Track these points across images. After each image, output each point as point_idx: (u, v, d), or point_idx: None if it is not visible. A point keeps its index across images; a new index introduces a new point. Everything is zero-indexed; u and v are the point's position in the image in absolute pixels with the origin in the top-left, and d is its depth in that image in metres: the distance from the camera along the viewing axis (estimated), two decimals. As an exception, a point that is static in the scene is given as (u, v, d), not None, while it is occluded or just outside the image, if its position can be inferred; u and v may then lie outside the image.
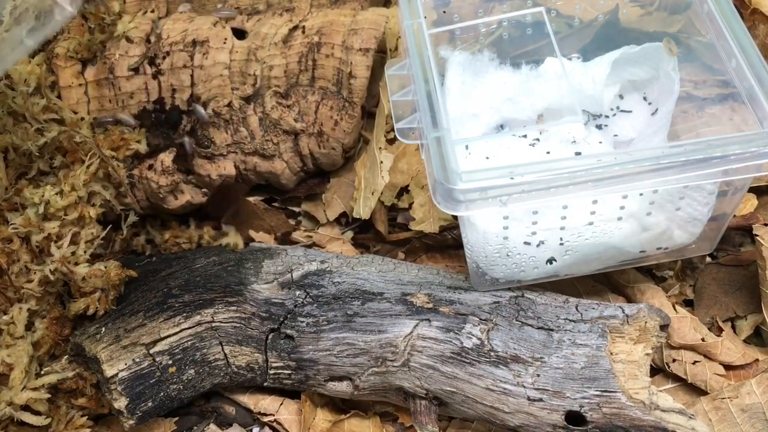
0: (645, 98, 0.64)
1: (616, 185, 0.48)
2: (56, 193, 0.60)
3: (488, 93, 0.63)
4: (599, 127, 0.63)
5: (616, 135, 0.62)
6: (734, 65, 0.52)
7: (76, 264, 0.59)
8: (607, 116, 0.63)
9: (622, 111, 0.64)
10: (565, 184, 0.47)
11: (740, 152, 0.47)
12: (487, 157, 0.59)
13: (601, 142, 0.60)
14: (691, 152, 0.47)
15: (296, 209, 0.73)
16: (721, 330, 0.63)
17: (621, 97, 0.64)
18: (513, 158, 0.58)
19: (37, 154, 0.60)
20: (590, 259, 0.57)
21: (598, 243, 0.55)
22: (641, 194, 0.52)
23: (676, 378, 0.62)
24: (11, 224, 0.58)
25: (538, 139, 0.60)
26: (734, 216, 0.64)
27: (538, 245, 0.55)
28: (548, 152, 0.59)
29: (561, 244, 0.55)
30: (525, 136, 0.60)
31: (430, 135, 0.49)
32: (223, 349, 0.60)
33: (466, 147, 0.59)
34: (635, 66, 0.63)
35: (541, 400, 0.53)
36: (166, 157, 0.65)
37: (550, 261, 0.56)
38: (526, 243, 0.55)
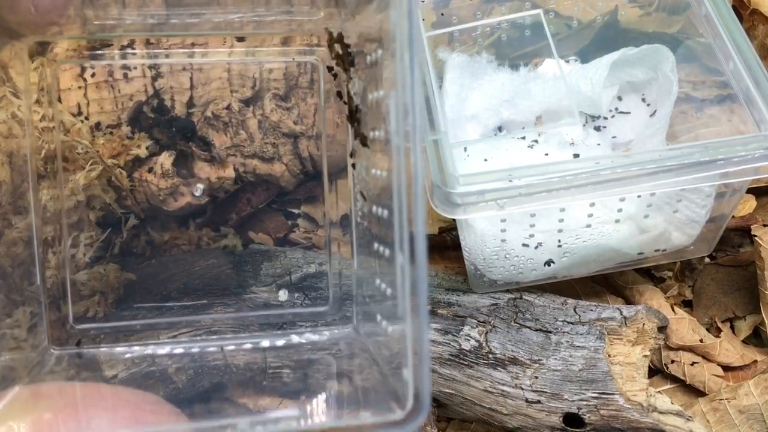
0: (644, 100, 0.64)
1: (614, 188, 0.48)
2: (50, 198, 0.60)
3: (487, 95, 0.63)
4: (597, 128, 0.63)
5: (614, 137, 0.63)
6: (731, 68, 0.52)
7: (76, 267, 0.60)
8: (605, 118, 0.63)
9: (620, 112, 0.64)
10: (564, 187, 0.47)
11: (737, 155, 0.47)
12: (486, 159, 0.59)
13: (599, 144, 0.60)
14: (689, 155, 0.47)
15: (295, 211, 0.73)
16: (719, 331, 0.63)
17: (620, 98, 0.64)
18: (511, 160, 0.58)
19: (39, 164, 0.61)
20: (588, 261, 0.57)
21: (596, 245, 0.55)
22: (639, 197, 0.52)
23: (674, 379, 0.62)
24: (15, 227, 0.58)
25: (536, 141, 0.60)
26: (733, 217, 0.64)
27: (536, 247, 0.55)
28: (546, 154, 0.59)
29: (559, 246, 0.55)
30: (523, 138, 0.60)
31: (427, 138, 0.50)
32: (222, 350, 0.60)
33: (465, 149, 0.59)
34: (634, 67, 0.63)
35: (539, 402, 0.53)
36: (166, 160, 0.65)
37: (548, 263, 0.56)
38: (524, 245, 0.55)
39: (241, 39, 0.66)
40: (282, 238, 0.70)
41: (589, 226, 0.54)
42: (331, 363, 0.52)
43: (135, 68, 0.64)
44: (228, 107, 0.65)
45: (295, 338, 0.54)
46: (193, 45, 0.65)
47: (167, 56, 0.65)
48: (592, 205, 0.52)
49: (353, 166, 0.54)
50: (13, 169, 0.61)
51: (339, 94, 0.58)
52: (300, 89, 0.66)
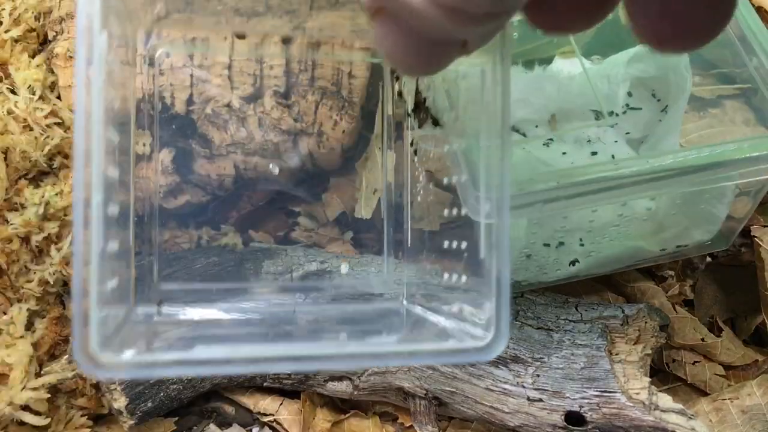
0: (654, 95, 0.64)
1: (651, 189, 0.47)
2: (56, 194, 0.60)
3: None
4: (611, 125, 0.63)
5: (627, 133, 0.62)
6: (755, 64, 0.51)
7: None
8: (617, 114, 0.63)
9: (631, 109, 0.63)
10: (603, 189, 0.46)
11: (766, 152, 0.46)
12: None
13: (616, 141, 0.60)
14: (719, 153, 0.46)
15: (296, 209, 0.72)
16: (721, 330, 0.63)
17: (630, 94, 0.64)
18: (528, 159, 0.58)
19: (42, 160, 0.61)
20: (611, 259, 0.57)
21: (621, 243, 0.55)
22: (668, 195, 0.52)
23: (676, 378, 0.62)
24: (11, 224, 0.58)
25: (552, 139, 0.60)
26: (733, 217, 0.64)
27: (557, 247, 0.55)
28: (564, 152, 0.59)
29: (582, 245, 0.55)
30: (539, 136, 0.60)
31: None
32: (222, 349, 0.60)
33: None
34: (645, 63, 0.62)
35: (540, 400, 0.53)
36: (166, 157, 0.65)
37: (573, 263, 0.56)
38: (546, 245, 0.55)
39: (241, 37, 0.66)
40: (283, 236, 0.70)
41: (617, 225, 0.54)
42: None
43: (135, 65, 0.64)
44: (228, 104, 0.64)
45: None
46: (193, 42, 0.64)
47: (168, 54, 0.64)
48: (624, 204, 0.52)
49: (415, 152, 0.58)
50: (9, 165, 0.60)
51: (400, 94, 0.60)
52: (300, 86, 0.66)
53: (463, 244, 0.42)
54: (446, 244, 0.46)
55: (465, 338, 0.35)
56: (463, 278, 0.42)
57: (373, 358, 0.34)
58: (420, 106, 0.54)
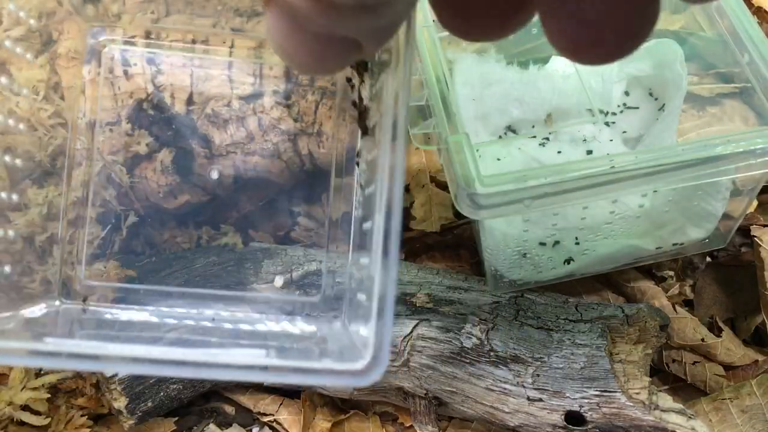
0: (651, 94, 0.64)
1: (641, 185, 0.47)
2: (58, 194, 0.60)
3: (496, 94, 0.63)
4: (607, 124, 0.63)
5: (624, 131, 0.62)
6: (747, 60, 0.51)
7: (75, 264, 0.59)
8: (614, 113, 0.63)
9: (628, 107, 0.63)
10: (591, 185, 0.46)
11: (760, 147, 0.46)
12: (499, 159, 0.59)
13: (611, 140, 0.60)
14: (710, 147, 0.46)
15: (295, 209, 0.73)
16: (720, 330, 0.63)
17: (627, 93, 0.64)
18: (524, 158, 0.58)
19: (46, 161, 0.61)
20: (607, 257, 0.57)
21: (616, 241, 0.55)
22: (660, 192, 0.52)
23: (675, 378, 0.62)
24: (14, 224, 0.58)
25: (547, 139, 0.60)
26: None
27: (554, 245, 0.55)
28: (559, 152, 0.59)
29: (578, 243, 0.55)
30: (534, 136, 0.60)
31: (449, 139, 0.49)
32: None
33: (477, 150, 0.59)
34: (641, 62, 0.63)
35: (540, 399, 0.53)
36: (166, 157, 0.65)
37: (568, 261, 0.56)
38: (542, 244, 0.55)
39: (241, 36, 0.66)
40: (283, 236, 0.70)
41: (610, 223, 0.54)
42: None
43: (135, 65, 0.64)
44: (228, 104, 0.65)
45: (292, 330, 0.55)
46: (193, 42, 0.64)
47: (168, 54, 0.64)
48: (614, 201, 0.52)
49: (357, 164, 0.56)
50: (12, 165, 0.61)
51: (354, 104, 0.58)
52: (300, 86, 0.66)
53: (367, 260, 0.40)
54: (362, 260, 0.45)
55: (344, 360, 0.33)
56: (363, 297, 0.40)
57: (236, 370, 0.32)
58: (362, 115, 0.53)
